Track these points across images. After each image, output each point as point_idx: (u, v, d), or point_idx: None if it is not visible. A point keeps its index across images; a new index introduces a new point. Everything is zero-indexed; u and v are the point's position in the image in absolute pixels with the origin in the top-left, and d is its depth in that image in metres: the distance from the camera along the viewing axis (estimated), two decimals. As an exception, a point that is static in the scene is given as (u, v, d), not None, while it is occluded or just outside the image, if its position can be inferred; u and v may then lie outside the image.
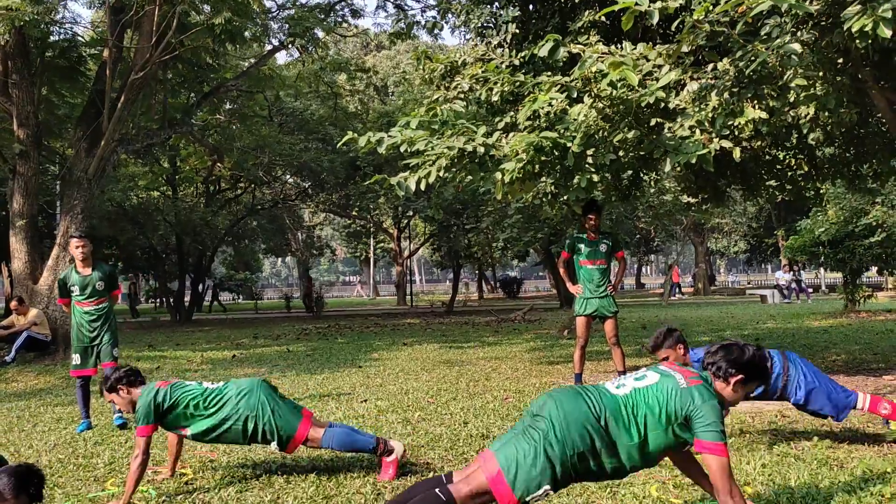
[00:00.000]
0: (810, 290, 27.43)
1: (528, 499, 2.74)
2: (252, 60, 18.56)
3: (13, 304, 11.10)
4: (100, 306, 6.52)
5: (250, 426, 4.14)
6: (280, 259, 70.70)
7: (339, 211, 31.00)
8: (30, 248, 11.56)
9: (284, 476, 4.38)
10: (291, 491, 4.09)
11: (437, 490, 2.85)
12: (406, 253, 36.51)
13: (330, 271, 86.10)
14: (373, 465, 4.48)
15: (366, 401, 7.11)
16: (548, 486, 2.76)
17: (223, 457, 4.96)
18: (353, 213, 30.05)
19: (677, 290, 34.38)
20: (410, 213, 28.46)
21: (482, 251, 25.40)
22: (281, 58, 35.38)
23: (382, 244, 45.70)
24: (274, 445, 4.22)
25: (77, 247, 6.50)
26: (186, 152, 22.81)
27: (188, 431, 4.21)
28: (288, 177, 26.96)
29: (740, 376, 2.96)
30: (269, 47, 16.08)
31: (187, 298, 26.04)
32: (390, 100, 28.73)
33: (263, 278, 69.30)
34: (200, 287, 28.35)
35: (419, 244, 37.30)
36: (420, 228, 36.00)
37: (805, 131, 6.71)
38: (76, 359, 6.50)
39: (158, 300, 37.57)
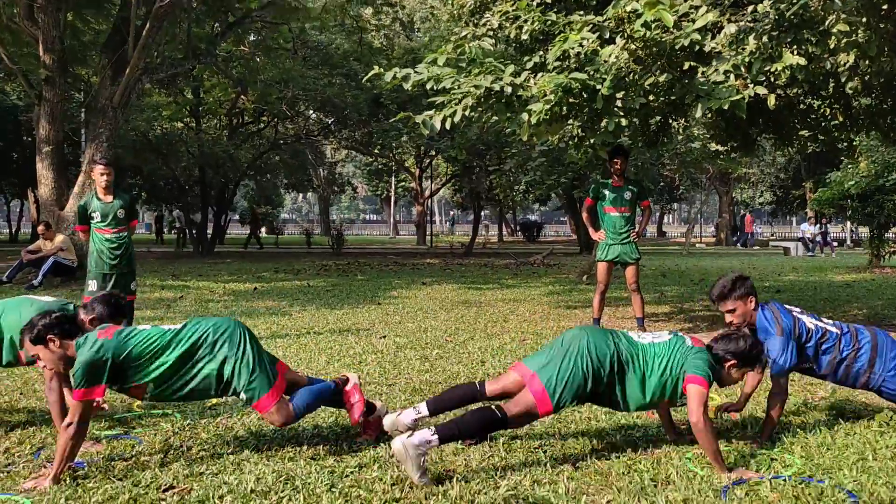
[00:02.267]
0: (835, 243, 27.11)
1: (558, 408, 3.34)
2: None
3: (40, 228, 11.28)
4: (120, 234, 6.50)
5: (227, 370, 3.37)
6: (301, 195, 70.82)
7: (361, 148, 30.85)
8: (56, 174, 11.67)
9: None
10: (311, 420, 4.15)
11: (493, 407, 3.30)
12: (427, 193, 36.41)
13: (351, 209, 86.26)
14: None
15: (384, 337, 7.20)
16: (576, 401, 3.37)
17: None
18: (376, 150, 29.89)
19: (749, 238, 34.13)
20: (433, 152, 28.27)
21: (504, 193, 25.24)
22: (306, -11, 34.65)
23: (403, 183, 45.55)
24: (243, 396, 3.43)
25: (102, 173, 6.45)
26: (210, 83, 22.68)
27: (149, 388, 3.35)
28: (311, 112, 26.78)
29: (733, 361, 3.46)
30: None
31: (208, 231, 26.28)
32: (416, 36, 28.21)
33: (284, 213, 69.61)
34: (223, 219, 28.57)
35: (441, 184, 37.16)
36: (442, 168, 35.81)
37: (843, 80, 6.49)
38: (92, 285, 6.45)
39: (181, 231, 37.98)
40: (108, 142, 11.63)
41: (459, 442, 3.62)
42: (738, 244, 32.99)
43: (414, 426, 3.40)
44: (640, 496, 2.96)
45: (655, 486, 3.10)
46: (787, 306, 4.00)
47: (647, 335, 3.58)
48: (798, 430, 3.87)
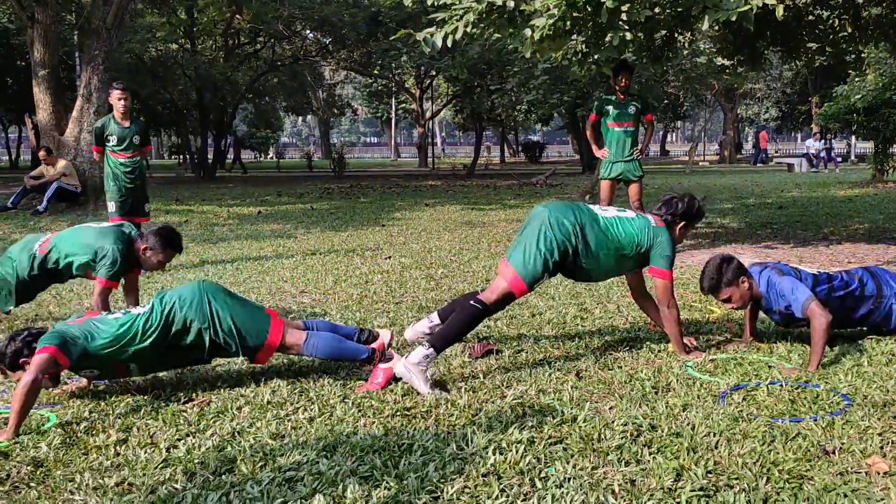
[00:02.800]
0: (839, 159, 26.91)
1: (534, 286, 3.52)
2: None
3: (41, 154, 11.24)
4: (134, 159, 6.70)
5: (206, 338, 3.21)
6: (301, 118, 69.95)
7: (360, 69, 30.30)
8: (54, 98, 11.54)
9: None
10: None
11: (471, 301, 3.49)
12: (428, 114, 35.95)
13: (351, 132, 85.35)
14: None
15: (390, 257, 7.29)
16: (546, 274, 3.49)
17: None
18: (375, 71, 29.37)
19: (764, 155, 33.79)
20: (434, 72, 27.75)
21: (506, 113, 24.92)
22: None
23: (404, 105, 44.89)
24: (241, 357, 3.37)
25: (119, 98, 6.54)
26: (204, 2, 22.09)
27: (131, 368, 3.24)
28: (308, 32, 26.18)
29: (682, 223, 3.75)
30: None
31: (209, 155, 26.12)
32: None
33: (284, 137, 68.95)
34: (223, 144, 28.37)
35: (442, 105, 36.64)
36: (443, 89, 35.24)
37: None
38: (111, 206, 6.69)
39: (181, 156, 37.76)
40: (103, 64, 11.45)
41: (468, 356, 3.75)
42: (753, 162, 32.64)
43: (431, 331, 3.72)
44: (642, 402, 3.07)
45: (656, 392, 3.21)
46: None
47: (612, 209, 3.79)
48: (796, 340, 3.97)
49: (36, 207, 10.82)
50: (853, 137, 28.62)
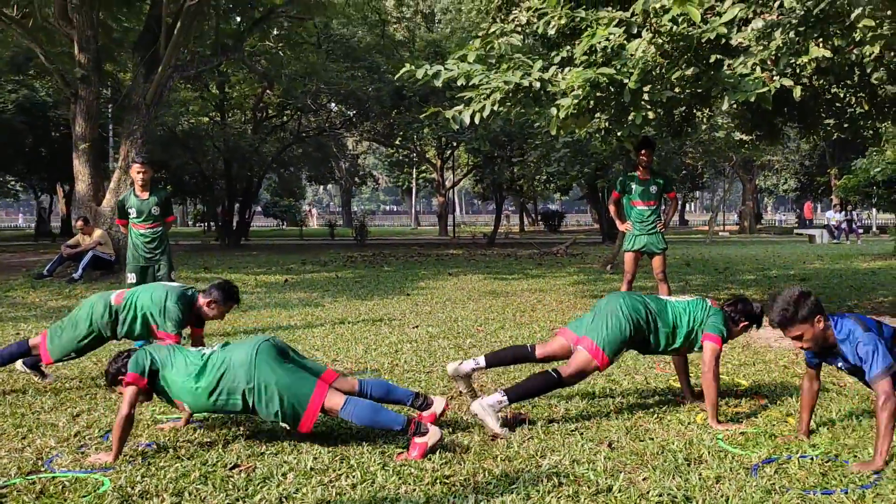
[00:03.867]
0: (860, 230, 26.91)
1: (614, 358, 3.98)
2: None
3: (79, 223, 11.61)
4: (155, 230, 6.84)
5: (250, 401, 3.46)
6: (322, 186, 71.24)
7: (382, 140, 31.07)
8: (93, 170, 11.99)
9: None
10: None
11: (549, 370, 3.92)
12: (448, 183, 36.56)
13: (371, 199, 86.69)
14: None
15: (417, 327, 7.42)
16: (623, 349, 4.02)
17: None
18: (397, 142, 30.10)
19: (809, 224, 34.03)
20: (455, 143, 28.39)
21: (527, 184, 25.33)
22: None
23: (424, 174, 45.71)
24: (283, 424, 3.51)
25: (139, 172, 6.77)
26: (237, 78, 23.00)
27: (187, 403, 3.59)
28: (333, 105, 27.04)
29: (745, 322, 4.15)
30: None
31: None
32: (437, 28, 28.34)
33: (306, 205, 70.10)
34: (247, 213, 28.98)
35: (462, 175, 37.27)
36: (463, 159, 35.92)
37: (869, 70, 6.57)
38: (131, 277, 6.85)
39: (207, 224, 38.51)
40: (142, 139, 11.94)
41: (502, 423, 3.80)
42: (798, 230, 32.20)
43: (471, 373, 4.14)
44: (675, 473, 3.14)
45: (688, 464, 3.28)
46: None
47: (671, 297, 4.37)
48: (825, 413, 4.03)
49: (71, 275, 11.13)
50: (874, 209, 28.65)
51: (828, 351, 3.46)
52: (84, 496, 2.94)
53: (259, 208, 45.37)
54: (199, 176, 26.83)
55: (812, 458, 3.29)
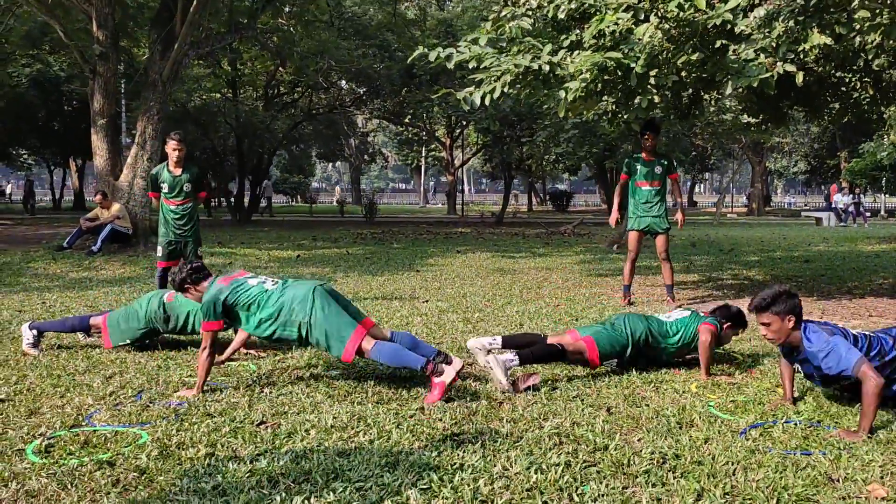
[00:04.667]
0: (868, 213, 26.98)
1: (604, 363, 4.59)
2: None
3: (97, 198, 11.91)
4: (185, 206, 6.97)
5: (304, 332, 4.06)
6: (331, 164, 71.46)
7: (392, 118, 31.23)
8: (110, 146, 12.26)
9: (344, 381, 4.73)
10: (371, 372, 4.65)
11: (553, 342, 4.48)
12: (458, 162, 36.71)
13: (380, 178, 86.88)
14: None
15: (427, 301, 7.68)
16: (616, 360, 4.66)
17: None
18: (406, 120, 30.25)
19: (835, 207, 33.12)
20: (464, 122, 28.51)
21: (536, 164, 25.49)
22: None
23: (434, 153, 45.84)
24: (329, 353, 4.14)
25: (175, 149, 6.88)
26: (249, 55, 23.15)
27: (249, 330, 4.24)
28: (343, 83, 27.18)
29: (728, 323, 4.74)
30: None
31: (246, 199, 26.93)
32: (448, 6, 28.35)
33: (315, 182, 70.37)
34: (258, 189, 29.28)
35: (471, 154, 37.41)
36: (473, 138, 36.04)
37: (870, 57, 6.73)
38: (160, 251, 7.04)
39: (217, 200, 38.81)
40: (158, 115, 12.18)
41: (509, 388, 4.11)
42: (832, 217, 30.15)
43: (489, 348, 4.48)
44: (667, 435, 3.40)
45: (680, 427, 3.54)
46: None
47: (673, 314, 4.92)
48: (811, 386, 4.27)
49: (90, 248, 11.44)
50: (882, 193, 28.66)
51: (792, 351, 3.85)
52: (126, 447, 3.22)
53: (269, 184, 45.72)
54: (210, 152, 27.08)
55: (796, 424, 3.54)
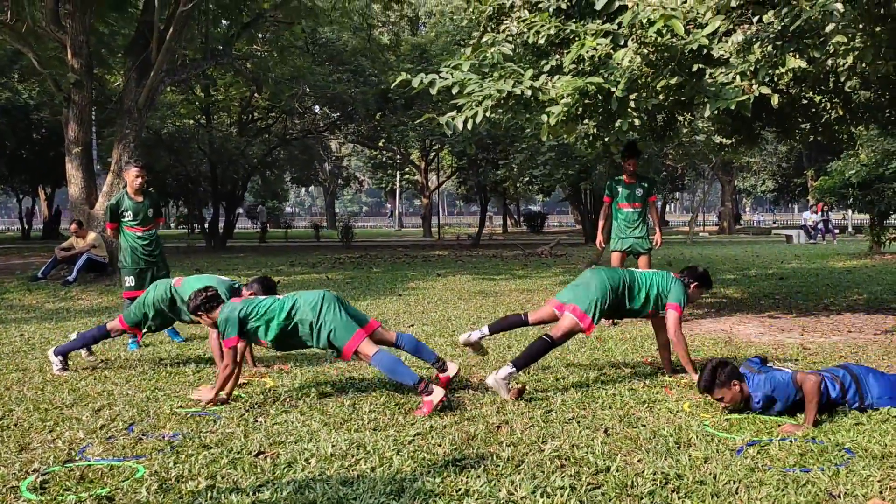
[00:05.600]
0: (836, 231, 27.51)
1: (596, 322, 4.72)
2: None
3: (73, 227, 11.75)
4: (150, 232, 6.94)
5: (313, 332, 4.43)
6: (305, 189, 71.28)
7: (366, 142, 31.31)
8: (85, 174, 12.13)
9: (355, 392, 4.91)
10: (365, 399, 4.63)
11: (542, 336, 4.67)
12: (432, 185, 36.85)
13: (354, 201, 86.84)
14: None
15: (412, 325, 7.67)
16: (603, 315, 4.79)
17: (296, 370, 5.54)
18: (381, 144, 30.34)
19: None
20: (439, 146, 28.66)
21: (511, 185, 25.68)
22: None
23: (408, 176, 45.98)
24: (329, 351, 4.60)
25: (137, 175, 6.83)
26: (224, 82, 23.12)
27: (266, 340, 4.52)
28: (317, 108, 27.23)
29: (695, 283, 5.07)
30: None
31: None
32: (421, 31, 28.60)
33: (288, 207, 70.09)
34: (233, 215, 29.07)
35: (446, 177, 37.58)
36: (447, 161, 36.24)
37: (843, 79, 6.92)
38: (129, 280, 6.88)
39: (189, 227, 38.48)
40: (134, 142, 12.10)
41: (515, 398, 4.43)
42: (801, 234, 30.03)
43: (479, 341, 4.97)
44: (667, 455, 3.42)
45: (679, 447, 3.57)
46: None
47: (641, 269, 5.42)
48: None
49: (66, 278, 11.26)
50: (849, 210, 29.25)
51: (747, 403, 4.12)
52: (123, 481, 3.16)
53: (241, 210, 45.47)
54: (183, 178, 26.85)
55: (791, 441, 3.59)
